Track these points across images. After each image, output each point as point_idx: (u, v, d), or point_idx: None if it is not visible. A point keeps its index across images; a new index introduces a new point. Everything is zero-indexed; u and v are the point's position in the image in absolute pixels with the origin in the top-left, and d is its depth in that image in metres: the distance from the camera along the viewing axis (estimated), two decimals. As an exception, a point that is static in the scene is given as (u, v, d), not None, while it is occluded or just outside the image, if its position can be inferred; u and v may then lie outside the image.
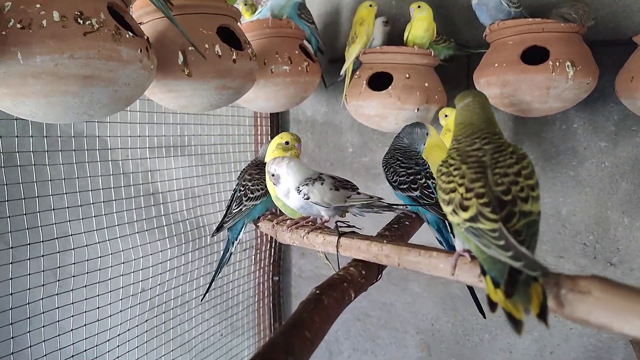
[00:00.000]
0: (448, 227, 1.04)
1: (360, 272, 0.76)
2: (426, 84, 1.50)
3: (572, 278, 0.51)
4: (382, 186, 1.92)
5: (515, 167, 0.60)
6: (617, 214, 1.52)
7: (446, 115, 1.46)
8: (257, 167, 1.20)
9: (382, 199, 0.99)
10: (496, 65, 1.36)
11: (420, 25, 1.49)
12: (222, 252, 1.20)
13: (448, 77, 1.65)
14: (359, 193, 0.99)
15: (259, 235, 2.08)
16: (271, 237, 2.01)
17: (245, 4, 1.66)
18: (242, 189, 1.13)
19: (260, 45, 1.51)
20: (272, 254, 2.11)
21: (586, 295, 0.48)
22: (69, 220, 1.45)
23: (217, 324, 1.95)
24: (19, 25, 0.78)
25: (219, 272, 1.20)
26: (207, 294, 1.28)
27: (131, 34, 0.91)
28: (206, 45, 1.14)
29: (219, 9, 1.21)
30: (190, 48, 1.10)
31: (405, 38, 1.55)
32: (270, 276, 2.12)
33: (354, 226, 0.92)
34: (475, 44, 1.63)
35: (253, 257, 2.05)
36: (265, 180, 1.09)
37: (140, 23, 1.21)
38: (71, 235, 1.46)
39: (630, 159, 1.49)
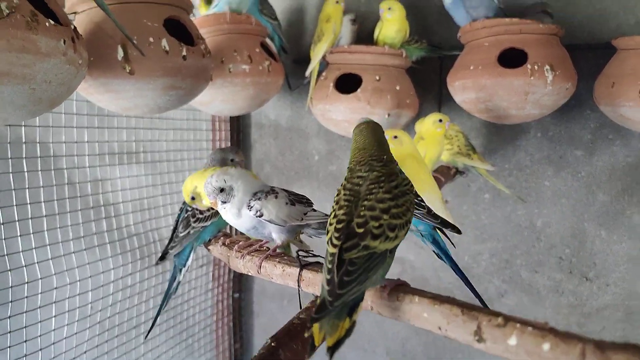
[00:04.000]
0: (443, 238, 0.91)
1: (327, 311, 0.63)
2: (397, 87, 1.40)
3: (600, 347, 0.36)
4: (350, 196, 1.80)
5: (386, 203, 0.60)
6: (594, 227, 1.46)
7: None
8: None
9: None
10: (472, 67, 1.27)
11: (392, 25, 1.40)
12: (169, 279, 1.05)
13: (420, 81, 1.56)
14: (314, 210, 0.87)
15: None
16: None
17: (202, -3, 1.52)
18: (190, 208, 0.98)
19: (217, 42, 1.38)
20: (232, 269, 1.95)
21: (625, 377, 0.34)
22: (4, 238, 1.26)
23: (172, 347, 1.79)
24: None
25: (166, 305, 1.04)
26: (152, 329, 1.12)
27: (52, 22, 0.75)
28: (151, 39, 1.00)
29: (167, -2, 1.07)
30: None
31: (375, 37, 1.44)
32: (230, 293, 1.96)
33: (318, 255, 0.78)
34: (448, 45, 1.54)
35: (211, 273, 1.89)
36: None
37: (74, 12, 1.05)
38: (6, 255, 1.27)
39: (607, 168, 1.43)
